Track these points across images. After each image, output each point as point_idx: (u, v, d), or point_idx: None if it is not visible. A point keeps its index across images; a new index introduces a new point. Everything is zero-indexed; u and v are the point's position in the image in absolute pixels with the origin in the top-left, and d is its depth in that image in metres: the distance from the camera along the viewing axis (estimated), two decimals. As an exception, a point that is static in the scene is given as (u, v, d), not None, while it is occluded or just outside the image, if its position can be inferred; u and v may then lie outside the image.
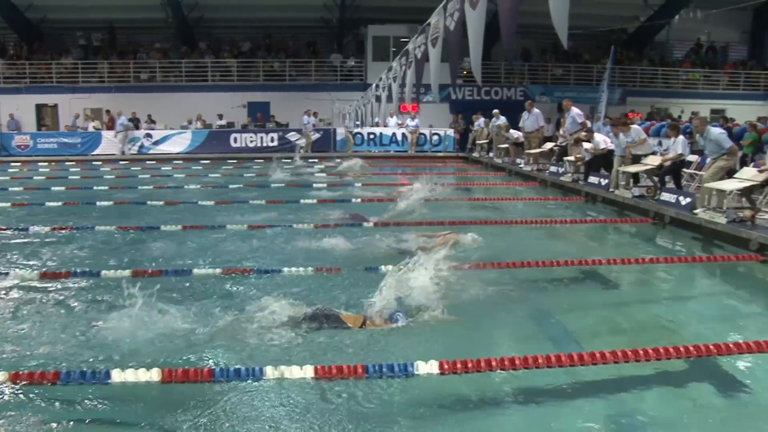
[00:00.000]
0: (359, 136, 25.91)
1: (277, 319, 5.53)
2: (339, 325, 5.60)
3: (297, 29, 31.36)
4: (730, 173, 11.12)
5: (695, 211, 10.52)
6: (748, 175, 10.56)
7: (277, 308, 5.63)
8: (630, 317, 6.56)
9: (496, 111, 21.80)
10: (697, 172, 12.88)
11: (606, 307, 6.74)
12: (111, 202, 13.12)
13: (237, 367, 4.68)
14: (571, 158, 15.63)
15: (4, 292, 6.69)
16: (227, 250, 8.72)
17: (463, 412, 4.33)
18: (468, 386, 4.60)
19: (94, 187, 15.73)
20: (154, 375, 4.50)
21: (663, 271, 8.56)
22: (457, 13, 7.78)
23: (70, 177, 18.86)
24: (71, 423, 4.08)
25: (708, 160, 11.34)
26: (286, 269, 7.48)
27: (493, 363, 4.70)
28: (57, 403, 4.29)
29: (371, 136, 26.20)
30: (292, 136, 25.63)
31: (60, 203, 12.99)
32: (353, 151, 25.19)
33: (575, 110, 16.44)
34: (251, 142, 25.71)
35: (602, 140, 14.52)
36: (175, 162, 23.37)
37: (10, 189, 15.82)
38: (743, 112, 25.56)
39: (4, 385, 4.42)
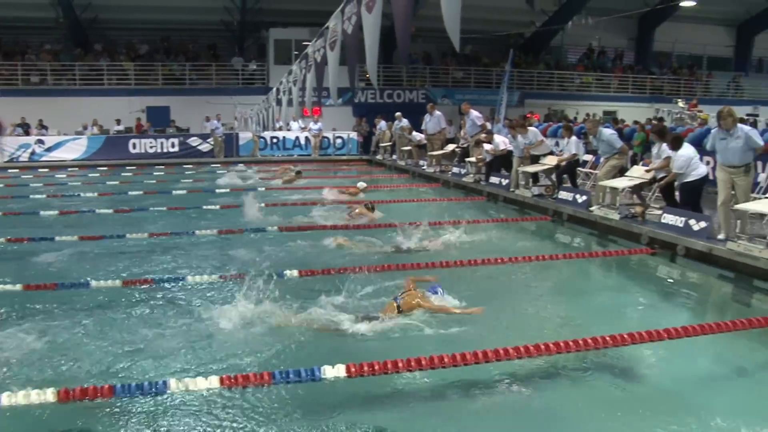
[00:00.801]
0: (262, 140, 25.51)
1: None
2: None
3: (197, 32, 30.49)
4: (621, 171, 11.65)
5: (591, 209, 10.94)
6: (638, 173, 11.09)
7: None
8: (530, 313, 6.69)
9: (398, 114, 21.95)
10: (591, 171, 13.39)
11: (507, 304, 6.84)
12: (-1, 213, 12.26)
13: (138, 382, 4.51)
14: (473, 159, 15.94)
15: None
16: (127, 260, 8.47)
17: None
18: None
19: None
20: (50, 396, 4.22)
21: (563, 266, 8.86)
22: (354, 16, 7.75)
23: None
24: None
25: (601, 159, 11.84)
26: (190, 277, 7.42)
27: (400, 364, 4.65)
28: None
29: (274, 140, 25.86)
30: (193, 141, 24.91)
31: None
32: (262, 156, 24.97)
33: (474, 113, 16.79)
34: (151, 147, 24.70)
35: (502, 141, 14.87)
36: (70, 169, 22.18)
37: None
38: (632, 113, 27.16)
39: None
